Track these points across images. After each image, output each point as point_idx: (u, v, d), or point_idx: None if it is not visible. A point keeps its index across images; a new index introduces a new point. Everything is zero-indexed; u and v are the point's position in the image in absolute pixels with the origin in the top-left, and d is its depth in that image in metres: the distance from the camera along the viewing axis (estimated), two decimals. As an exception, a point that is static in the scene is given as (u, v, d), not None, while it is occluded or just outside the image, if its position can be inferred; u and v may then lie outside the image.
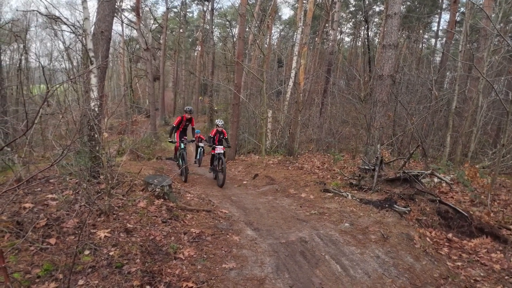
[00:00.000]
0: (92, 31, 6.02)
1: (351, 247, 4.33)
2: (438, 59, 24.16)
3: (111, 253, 3.38)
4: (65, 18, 5.53)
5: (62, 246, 3.36)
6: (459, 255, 4.52)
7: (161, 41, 34.48)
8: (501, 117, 12.84)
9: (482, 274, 4.00)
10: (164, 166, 11.61)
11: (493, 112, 12.50)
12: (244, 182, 9.84)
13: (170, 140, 9.06)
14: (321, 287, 3.37)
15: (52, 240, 3.44)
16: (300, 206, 6.38)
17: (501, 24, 15.89)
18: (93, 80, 5.38)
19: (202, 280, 3.25)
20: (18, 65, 17.40)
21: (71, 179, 5.05)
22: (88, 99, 5.33)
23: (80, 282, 2.94)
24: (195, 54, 47.24)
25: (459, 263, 4.23)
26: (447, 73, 19.93)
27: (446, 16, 31.76)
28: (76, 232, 3.51)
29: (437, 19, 30.48)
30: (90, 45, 5.48)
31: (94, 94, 5.37)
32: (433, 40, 33.62)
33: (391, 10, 7.75)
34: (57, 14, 5.58)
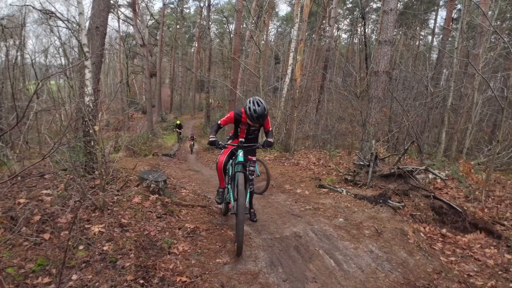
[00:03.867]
0: (87, 27, 5.99)
1: (345, 242, 4.35)
2: (434, 56, 24.21)
3: (105, 248, 3.38)
4: (60, 13, 5.49)
5: (56, 241, 3.36)
6: (453, 250, 4.54)
7: (157, 37, 34.36)
8: (497, 113, 12.90)
9: (475, 269, 4.02)
10: (160, 162, 11.63)
11: (488, 108, 12.56)
12: (240, 178, 9.84)
13: (215, 141, 4.30)
14: (314, 281, 3.38)
15: (46, 235, 3.44)
16: (295, 202, 6.40)
17: (498, 22, 15.94)
18: (88, 75, 5.35)
19: (196, 275, 3.25)
20: (14, 61, 17.27)
21: (66, 174, 5.04)
22: (82, 94, 5.31)
23: (74, 276, 2.94)
24: (192, 50, 47.17)
25: (453, 258, 4.26)
26: (443, 70, 19.97)
27: (442, 13, 31.82)
28: (73, 227, 3.51)
29: (434, 16, 30.54)
30: (84, 40, 5.45)
31: (89, 89, 5.35)
32: (429, 37, 33.68)
33: (387, 6, 7.74)
34: (52, 10, 5.56)
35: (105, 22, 6.56)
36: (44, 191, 4.43)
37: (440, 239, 4.87)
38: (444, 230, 5.09)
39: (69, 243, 3.28)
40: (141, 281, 3.01)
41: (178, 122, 24.88)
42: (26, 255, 3.10)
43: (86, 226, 3.72)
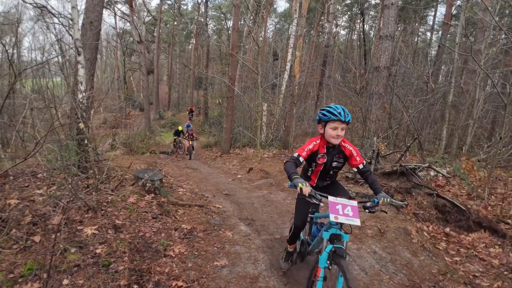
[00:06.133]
0: (80, 21, 5.82)
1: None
2: (433, 52, 24.07)
3: (98, 251, 3.24)
4: (51, 7, 5.32)
5: (47, 244, 3.23)
6: (457, 250, 4.43)
7: (155, 34, 34.10)
8: (496, 110, 12.80)
9: (481, 270, 3.92)
10: (158, 160, 11.48)
11: (489, 105, 12.44)
12: (239, 176, 9.73)
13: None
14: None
15: (37, 238, 3.30)
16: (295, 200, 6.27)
17: (497, 17, 15.83)
18: (81, 71, 5.19)
19: (193, 279, 3.12)
20: (9, 59, 17.09)
21: (59, 174, 4.89)
22: (75, 91, 5.15)
23: (65, 281, 2.81)
24: (190, 47, 46.85)
25: (457, 258, 4.15)
26: (442, 67, 19.86)
27: (442, 9, 31.67)
28: (61, 228, 3.37)
29: (433, 13, 30.40)
30: (77, 35, 5.28)
31: (82, 86, 5.19)
32: (428, 34, 33.53)
33: (388, 0, 7.59)
34: (46, 6, 5.40)
35: (99, 17, 6.39)
36: (37, 191, 4.29)
37: (444, 238, 4.76)
38: (447, 229, 4.98)
39: (60, 245, 3.15)
40: (135, 286, 2.88)
41: (179, 128, 18.32)
42: (15, 259, 2.96)
43: (79, 227, 3.57)
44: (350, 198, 2.65)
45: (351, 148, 2.94)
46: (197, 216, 4.81)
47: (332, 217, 2.47)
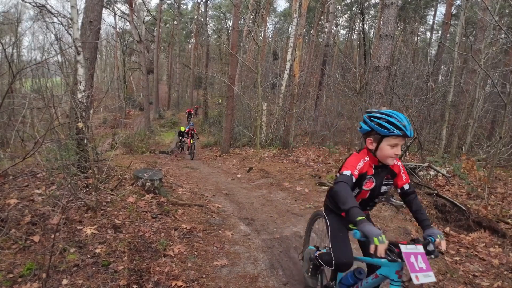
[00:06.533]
0: (79, 21, 5.81)
1: (347, 242, 4.22)
2: (433, 52, 24.08)
3: (97, 251, 3.24)
4: (50, 6, 5.31)
5: (46, 244, 3.22)
6: (457, 249, 4.43)
7: (154, 34, 34.11)
8: (496, 109, 12.80)
9: (480, 269, 3.91)
10: (157, 159, 11.46)
11: (488, 104, 12.45)
12: (239, 175, 9.72)
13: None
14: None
15: (36, 238, 3.30)
16: (295, 200, 6.27)
17: (497, 17, 15.84)
18: (80, 70, 5.19)
19: (192, 279, 3.11)
20: (7, 58, 17.07)
21: (59, 173, 4.89)
22: (74, 90, 5.15)
23: (64, 281, 2.80)
24: (190, 46, 46.85)
25: (457, 258, 4.15)
26: (442, 66, 19.86)
27: (442, 9, 31.68)
28: (60, 228, 3.36)
29: (433, 12, 30.42)
30: (76, 35, 5.28)
31: (82, 85, 5.18)
32: (428, 34, 33.55)
33: (388, -1, 7.58)
34: (45, 5, 5.39)
35: (99, 17, 6.38)
36: (36, 191, 4.29)
37: (444, 238, 4.76)
38: (447, 229, 4.98)
39: (60, 245, 3.15)
40: (135, 286, 2.87)
41: (182, 128, 17.79)
42: (14, 259, 2.96)
43: (78, 227, 3.57)
44: (413, 240, 1.91)
45: (399, 164, 2.29)
46: (197, 215, 4.80)
47: (413, 278, 1.68)
